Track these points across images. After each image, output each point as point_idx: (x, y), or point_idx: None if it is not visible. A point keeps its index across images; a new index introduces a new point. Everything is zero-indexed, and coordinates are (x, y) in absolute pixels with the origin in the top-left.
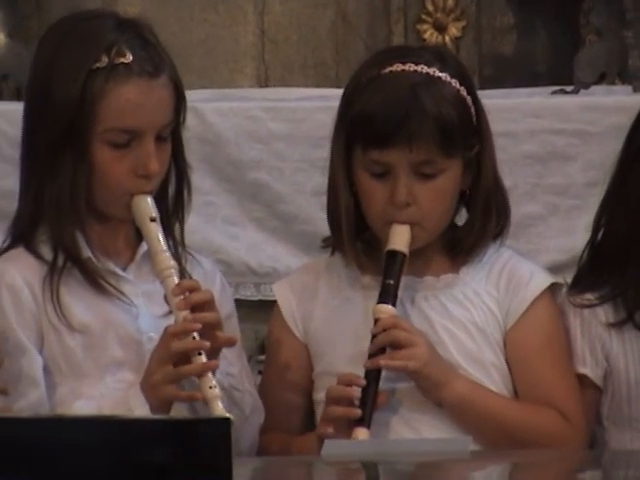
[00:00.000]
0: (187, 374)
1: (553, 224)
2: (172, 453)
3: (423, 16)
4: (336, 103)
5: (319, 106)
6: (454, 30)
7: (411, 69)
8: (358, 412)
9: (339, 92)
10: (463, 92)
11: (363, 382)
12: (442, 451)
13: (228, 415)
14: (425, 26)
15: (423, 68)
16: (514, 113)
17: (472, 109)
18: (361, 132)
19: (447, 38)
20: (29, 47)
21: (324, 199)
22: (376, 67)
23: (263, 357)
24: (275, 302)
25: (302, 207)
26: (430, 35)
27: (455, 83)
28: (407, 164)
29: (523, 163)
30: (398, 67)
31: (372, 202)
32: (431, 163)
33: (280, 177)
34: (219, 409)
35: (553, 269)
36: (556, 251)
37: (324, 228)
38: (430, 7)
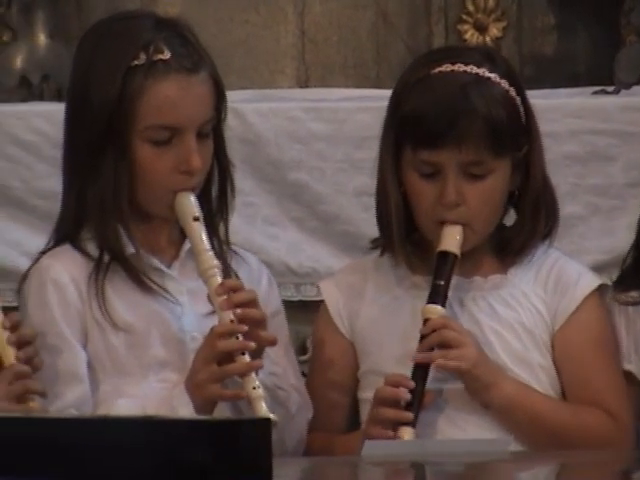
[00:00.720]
0: (231, 373)
1: (594, 225)
2: (212, 453)
3: (464, 16)
4: (376, 103)
5: (360, 106)
6: (495, 30)
7: (460, 69)
8: (409, 416)
9: (379, 92)
10: (512, 92)
11: (412, 384)
12: (482, 451)
13: (269, 415)
14: (466, 26)
15: (472, 68)
16: (555, 113)
17: (521, 109)
18: (411, 132)
19: (488, 38)
20: (69, 48)
21: (365, 199)
22: (425, 67)
23: (304, 357)
24: (316, 302)
25: (343, 207)
26: (471, 35)
27: (504, 83)
28: (456, 164)
29: (564, 163)
30: (447, 67)
31: (421, 202)
32: (480, 164)
33: (321, 177)
34: (263, 410)
35: (594, 270)
36: (597, 251)
37: (365, 228)
38: (471, 7)
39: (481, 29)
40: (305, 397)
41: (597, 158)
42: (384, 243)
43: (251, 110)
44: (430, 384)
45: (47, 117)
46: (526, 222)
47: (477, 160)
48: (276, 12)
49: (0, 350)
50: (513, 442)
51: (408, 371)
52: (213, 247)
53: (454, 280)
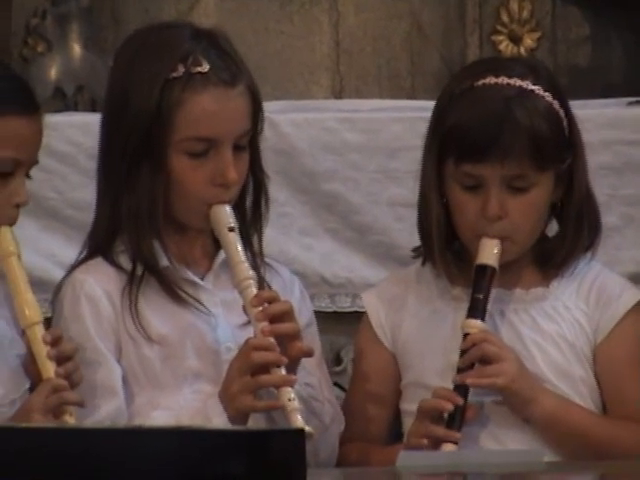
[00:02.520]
0: (265, 384)
1: (628, 235)
2: (246, 464)
3: (498, 27)
4: (411, 114)
5: (394, 117)
6: (529, 41)
7: (504, 82)
8: (457, 436)
9: (413, 103)
10: (556, 105)
11: (460, 400)
12: (516, 462)
13: (303, 427)
14: (500, 37)
15: (516, 81)
16: (589, 124)
17: (564, 122)
18: (454, 145)
19: (522, 49)
20: (104, 59)
21: (399, 210)
22: (469, 79)
23: (338, 368)
24: (350, 313)
25: (377, 218)
26: (505, 46)
27: (548, 96)
28: (499, 178)
29: (598, 174)
30: (491, 80)
31: (463, 215)
32: (523, 177)
33: (355, 188)
34: (298, 421)
35: (629, 281)
36: (632, 262)
37: (399, 239)
38: (505, 18)
39: (515, 40)
40: (337, 409)
41: (632, 169)
42: (425, 253)
43: (286, 121)
44: (472, 397)
45: (81, 128)
46: (568, 234)
47: (520, 174)
48: (311, 23)
49: (39, 364)
50: (547, 453)
51: (449, 384)
52: (247, 258)
53: (495, 292)
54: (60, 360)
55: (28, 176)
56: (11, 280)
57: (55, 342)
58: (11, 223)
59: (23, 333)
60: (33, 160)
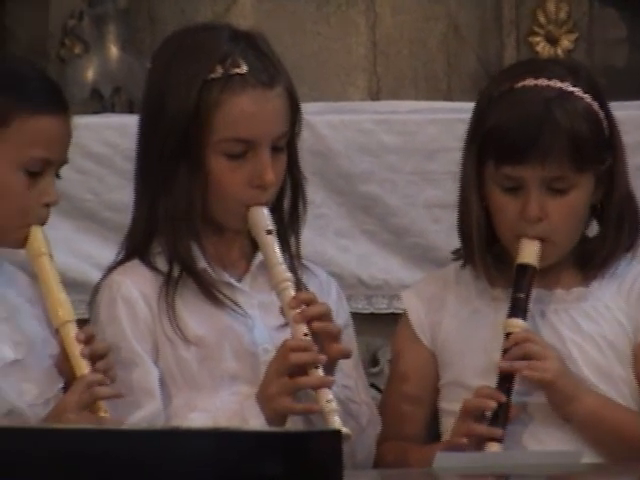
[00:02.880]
0: (304, 386)
1: None
2: (282, 465)
3: (535, 28)
4: (447, 115)
5: (431, 119)
6: (566, 42)
7: (544, 84)
8: (499, 432)
9: (450, 105)
10: (595, 106)
11: (502, 397)
12: (553, 463)
13: (344, 429)
14: (537, 38)
15: (556, 82)
16: (626, 125)
17: (604, 123)
18: (494, 147)
19: (559, 50)
20: (141, 60)
21: (436, 212)
22: (508, 81)
23: (375, 370)
24: (387, 314)
25: (414, 220)
26: (542, 48)
27: (587, 98)
28: (539, 179)
29: (635, 175)
30: (530, 81)
31: (503, 216)
32: (563, 179)
33: (392, 190)
34: (336, 423)
35: None
36: None
37: (435, 241)
38: (542, 19)
39: (552, 41)
40: (374, 410)
41: None
42: (465, 255)
43: (322, 122)
44: (513, 397)
45: (118, 129)
46: (609, 235)
47: (560, 175)
48: (348, 24)
49: (73, 363)
50: (585, 454)
51: (491, 384)
52: (285, 260)
53: (536, 292)
54: (93, 358)
55: (58, 176)
56: (43, 280)
57: (88, 340)
58: (42, 223)
59: (56, 332)
60: (62, 160)
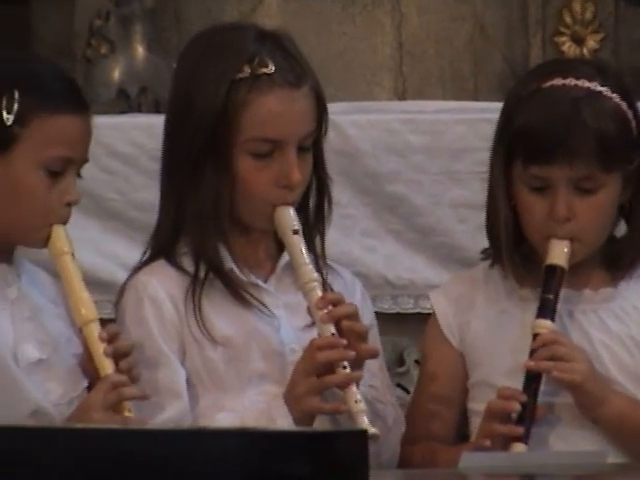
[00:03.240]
0: (331, 384)
1: None
2: (309, 465)
3: (561, 28)
4: (474, 115)
5: (457, 118)
6: (592, 42)
7: (572, 83)
8: (520, 431)
9: (477, 104)
10: (624, 106)
11: (524, 398)
12: (579, 463)
13: (372, 429)
14: (563, 38)
15: (584, 82)
16: None
17: (633, 123)
18: (522, 147)
19: (585, 50)
20: (167, 60)
21: (462, 212)
22: (536, 81)
23: (401, 370)
24: (413, 314)
25: (440, 220)
26: (568, 48)
27: (616, 97)
28: (567, 179)
29: None
30: (559, 81)
31: (531, 216)
32: (591, 179)
33: (418, 190)
34: (365, 423)
35: None
36: None
37: (462, 240)
38: (568, 20)
39: (578, 41)
40: (398, 411)
41: None
42: (493, 255)
43: (349, 122)
44: (540, 397)
45: (145, 129)
46: (637, 235)
47: (588, 175)
48: (373, 24)
49: (96, 361)
50: (611, 454)
51: (518, 384)
52: (310, 260)
53: (564, 292)
54: (117, 357)
55: (79, 175)
56: (65, 279)
57: (111, 339)
58: (63, 222)
59: (79, 331)
60: (83, 159)
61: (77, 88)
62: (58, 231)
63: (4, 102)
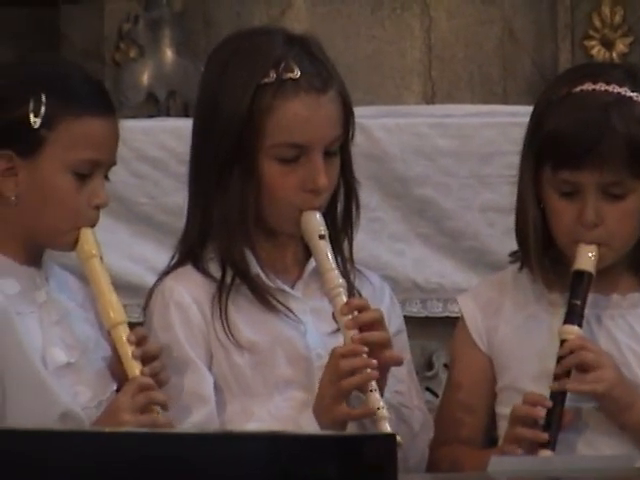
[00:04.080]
0: (351, 387)
1: None
2: (336, 469)
3: (590, 32)
4: (503, 119)
5: (486, 122)
6: (621, 46)
7: (602, 88)
8: (545, 437)
9: (506, 108)
10: None
11: (549, 404)
12: (609, 468)
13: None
14: (592, 42)
15: (614, 87)
16: None
17: None
18: (551, 152)
19: (614, 54)
20: (196, 64)
21: (491, 215)
22: (566, 86)
23: (430, 373)
24: (442, 318)
25: (469, 223)
26: (597, 51)
27: None
28: (596, 185)
29: None
30: (589, 86)
31: (560, 221)
32: (620, 184)
33: (447, 193)
34: (387, 430)
35: None
36: None
37: (491, 244)
38: (597, 23)
39: (608, 45)
40: (427, 416)
41: None
42: (522, 258)
43: (377, 126)
44: (568, 402)
45: (174, 133)
46: None
47: (617, 181)
48: (402, 28)
49: (125, 364)
50: (638, 459)
51: (545, 389)
52: (337, 265)
53: (592, 297)
54: (145, 360)
55: (107, 178)
56: (94, 282)
57: (140, 342)
58: (92, 225)
59: (108, 334)
60: (111, 161)
61: (104, 90)
62: (86, 234)
63: (31, 105)
